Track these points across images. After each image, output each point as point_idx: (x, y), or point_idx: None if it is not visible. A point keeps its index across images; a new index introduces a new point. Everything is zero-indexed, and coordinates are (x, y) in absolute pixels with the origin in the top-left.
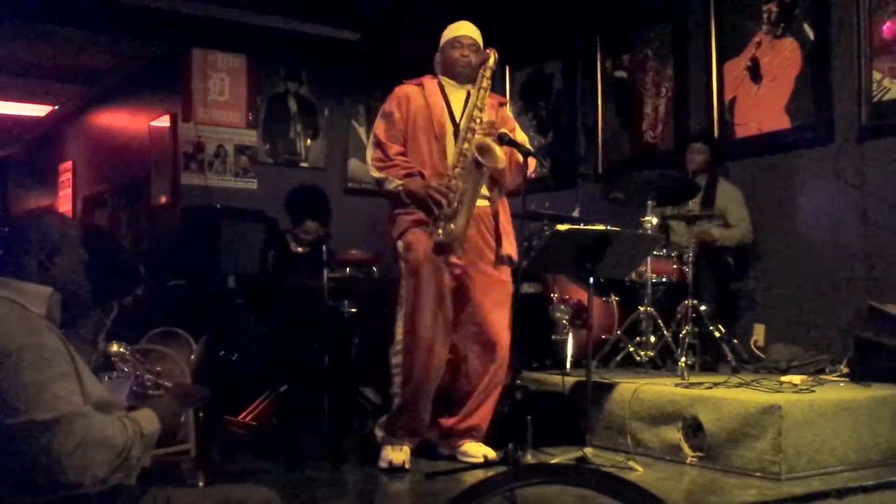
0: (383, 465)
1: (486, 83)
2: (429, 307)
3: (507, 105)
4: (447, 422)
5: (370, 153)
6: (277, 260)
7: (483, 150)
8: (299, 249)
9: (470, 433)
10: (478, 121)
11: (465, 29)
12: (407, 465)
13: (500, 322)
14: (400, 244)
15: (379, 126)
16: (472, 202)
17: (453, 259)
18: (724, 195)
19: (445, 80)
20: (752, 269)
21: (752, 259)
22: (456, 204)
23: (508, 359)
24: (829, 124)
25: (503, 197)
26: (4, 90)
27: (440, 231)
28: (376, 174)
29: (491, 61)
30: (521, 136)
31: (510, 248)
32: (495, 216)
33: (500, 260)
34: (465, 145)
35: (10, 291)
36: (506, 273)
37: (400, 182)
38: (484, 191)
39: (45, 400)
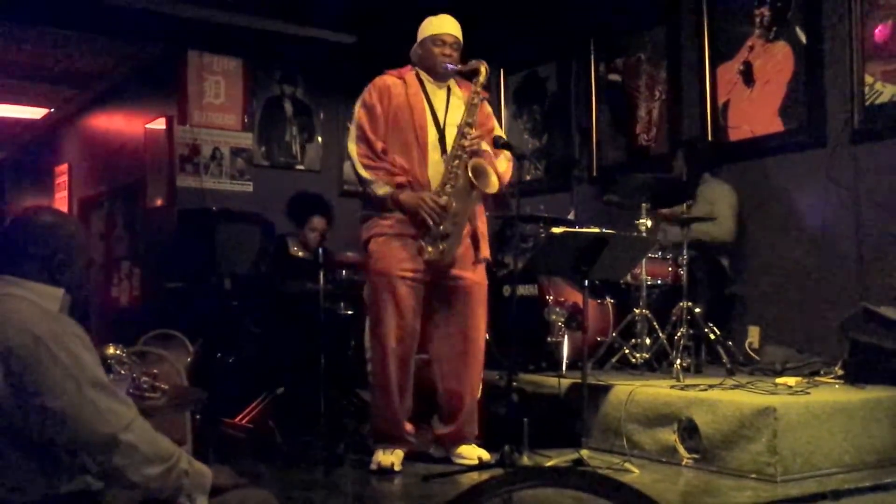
0: (373, 467)
1: (477, 100)
2: (389, 318)
3: (486, 102)
4: (439, 431)
5: (354, 148)
6: (275, 264)
7: (478, 173)
8: (300, 254)
9: (462, 440)
10: (468, 138)
11: (447, 26)
12: (396, 468)
13: (477, 324)
14: (366, 250)
15: (362, 117)
16: (463, 222)
17: (410, 266)
18: (709, 193)
19: (424, 76)
20: (746, 271)
21: (746, 261)
22: (450, 225)
23: (484, 357)
24: (821, 127)
25: (480, 202)
26: (0, 92)
27: (430, 249)
28: (364, 172)
29: (482, 77)
30: (497, 131)
31: (486, 250)
32: (471, 220)
33: (478, 261)
34: (456, 162)
35: (22, 290)
36: (481, 274)
37: (390, 190)
38: None
39: (89, 377)
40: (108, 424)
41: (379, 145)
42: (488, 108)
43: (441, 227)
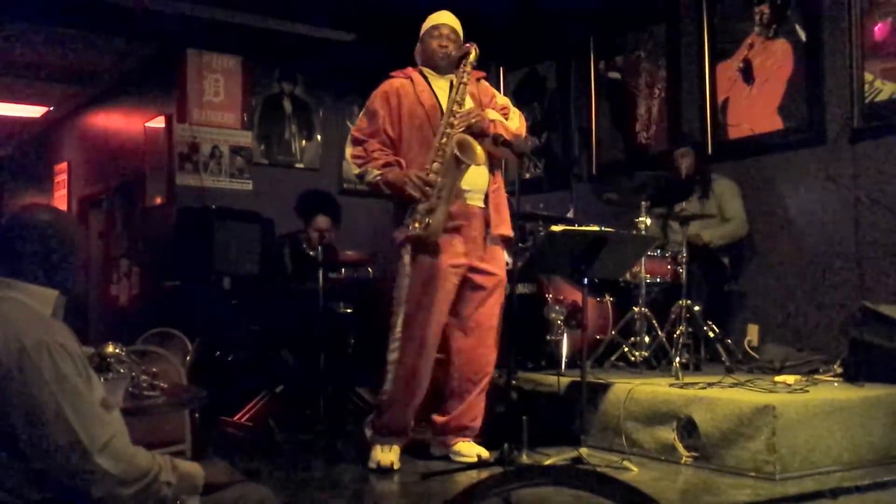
0: (372, 465)
1: (466, 78)
2: (435, 309)
3: (484, 81)
4: (440, 419)
5: (349, 150)
6: (294, 258)
7: (463, 146)
8: (310, 252)
9: (463, 431)
10: (457, 115)
11: (443, 18)
12: (396, 466)
13: (491, 320)
14: (406, 248)
15: (361, 123)
16: (450, 197)
17: (458, 261)
18: (719, 189)
19: (427, 71)
20: (745, 269)
21: (746, 260)
22: (435, 199)
23: (496, 354)
24: (821, 125)
25: (494, 172)
26: None
27: (417, 225)
28: (356, 170)
29: (472, 56)
30: (501, 101)
31: (502, 225)
32: (486, 198)
33: (492, 240)
34: (444, 140)
35: (14, 292)
36: (500, 265)
37: (378, 172)
38: (479, 185)
39: (69, 396)
40: (81, 448)
41: (372, 146)
42: (485, 84)
43: (426, 201)
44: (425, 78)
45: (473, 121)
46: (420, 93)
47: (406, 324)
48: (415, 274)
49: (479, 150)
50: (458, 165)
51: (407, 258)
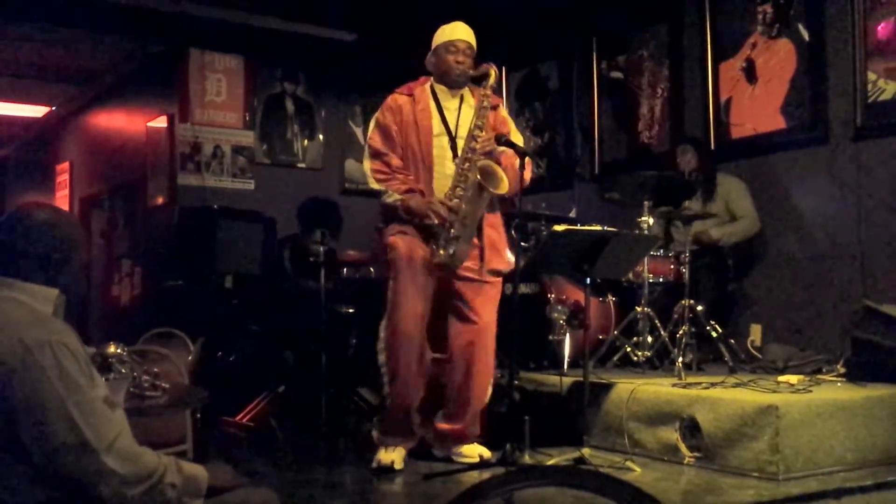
0: (373, 465)
1: (486, 102)
2: (410, 305)
3: (501, 107)
4: (442, 426)
5: (368, 164)
6: (294, 261)
7: (487, 173)
8: (311, 259)
9: (464, 436)
10: (478, 140)
11: (460, 32)
12: (397, 466)
13: (487, 322)
14: (386, 248)
15: (375, 137)
16: (475, 225)
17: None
18: (725, 189)
19: (438, 87)
20: (748, 269)
21: (748, 259)
22: (460, 227)
23: (494, 357)
24: (824, 125)
25: (496, 211)
26: (1, 91)
27: (442, 252)
28: (376, 186)
29: (492, 79)
30: (516, 138)
31: (497, 261)
32: (479, 228)
33: (488, 272)
34: (466, 165)
35: (14, 291)
36: (493, 285)
37: (399, 197)
38: None
39: (73, 394)
40: (87, 447)
41: (394, 161)
42: (504, 113)
43: (451, 230)
44: (434, 95)
45: (491, 148)
46: (418, 112)
47: (388, 321)
48: (394, 272)
49: (503, 176)
50: (481, 193)
51: (388, 260)
